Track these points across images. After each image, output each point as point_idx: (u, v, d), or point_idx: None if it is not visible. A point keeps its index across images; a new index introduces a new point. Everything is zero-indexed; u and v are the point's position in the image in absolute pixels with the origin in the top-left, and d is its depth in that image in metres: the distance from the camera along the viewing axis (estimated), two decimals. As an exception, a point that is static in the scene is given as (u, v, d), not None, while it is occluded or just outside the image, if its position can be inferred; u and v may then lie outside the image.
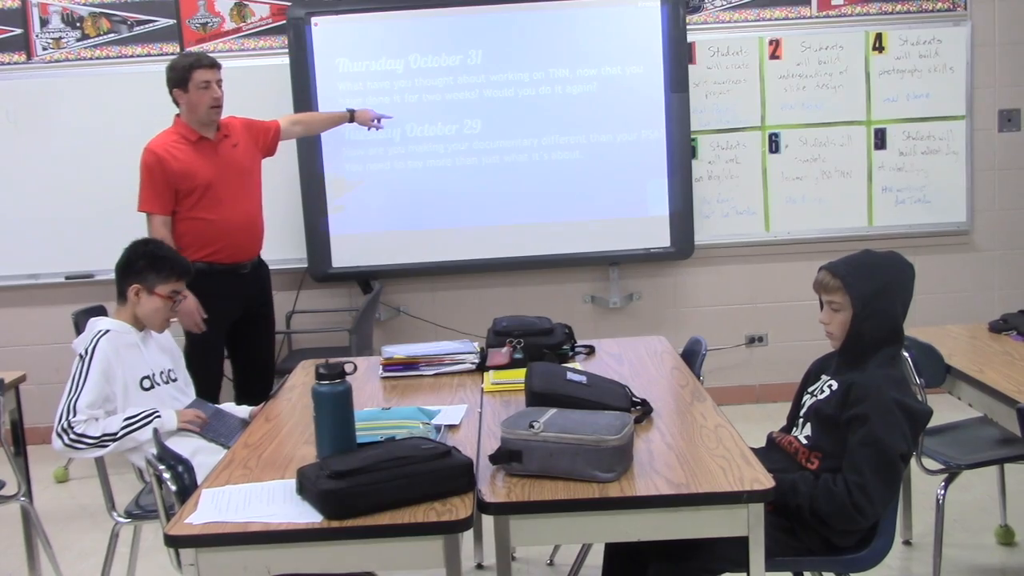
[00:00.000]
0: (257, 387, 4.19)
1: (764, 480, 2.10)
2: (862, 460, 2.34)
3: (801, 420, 2.62)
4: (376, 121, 4.79)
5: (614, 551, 2.74)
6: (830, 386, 2.54)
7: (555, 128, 5.19)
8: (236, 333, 4.27)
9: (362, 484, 2.03)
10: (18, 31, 5.21)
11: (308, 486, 2.09)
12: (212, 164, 4.07)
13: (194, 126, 4.08)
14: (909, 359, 3.21)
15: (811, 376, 2.71)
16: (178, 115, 4.11)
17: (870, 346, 2.49)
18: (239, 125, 4.25)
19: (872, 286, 2.49)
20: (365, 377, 3.22)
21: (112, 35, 5.22)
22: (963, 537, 3.62)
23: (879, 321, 2.48)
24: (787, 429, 2.71)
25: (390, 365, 3.25)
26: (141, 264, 3.12)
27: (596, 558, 3.41)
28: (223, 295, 4.02)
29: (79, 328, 3.63)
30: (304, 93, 5.07)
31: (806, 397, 2.65)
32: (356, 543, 2.02)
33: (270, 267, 4.46)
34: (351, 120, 4.73)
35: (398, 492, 2.05)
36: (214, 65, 4.07)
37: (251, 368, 4.34)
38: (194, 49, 5.12)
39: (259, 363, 4.36)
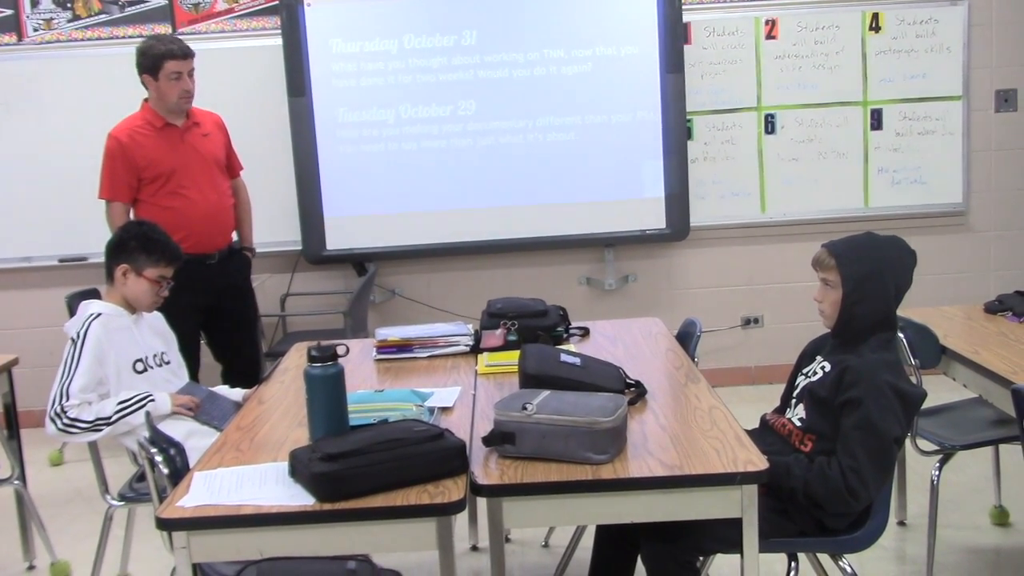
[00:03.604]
0: (239, 380, 4.11)
1: (758, 462, 2.10)
2: (856, 444, 2.34)
3: (794, 401, 2.61)
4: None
5: (605, 532, 2.74)
6: (823, 367, 2.54)
7: (550, 109, 5.16)
8: (213, 327, 4.20)
9: (354, 466, 2.02)
10: (8, 12, 5.16)
11: (300, 469, 2.08)
12: (177, 151, 4.00)
13: (162, 113, 4.01)
14: (904, 340, 3.20)
15: (806, 357, 2.70)
16: (146, 100, 4.05)
17: (863, 329, 2.49)
18: (216, 121, 4.20)
19: (865, 268, 2.48)
20: (359, 359, 3.22)
21: (103, 16, 5.18)
22: (958, 518, 3.62)
23: (871, 304, 2.47)
24: (780, 410, 2.71)
25: (384, 347, 3.24)
26: (133, 245, 3.10)
27: (591, 540, 3.41)
28: (187, 285, 3.81)
29: (72, 311, 3.60)
30: (297, 74, 5.04)
31: (800, 378, 2.64)
32: (348, 526, 2.01)
33: (264, 250, 4.44)
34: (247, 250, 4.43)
35: (391, 474, 2.04)
36: (187, 56, 3.97)
37: (233, 363, 4.27)
38: (186, 29, 5.08)
39: (240, 358, 4.28)
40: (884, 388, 2.36)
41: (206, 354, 4.28)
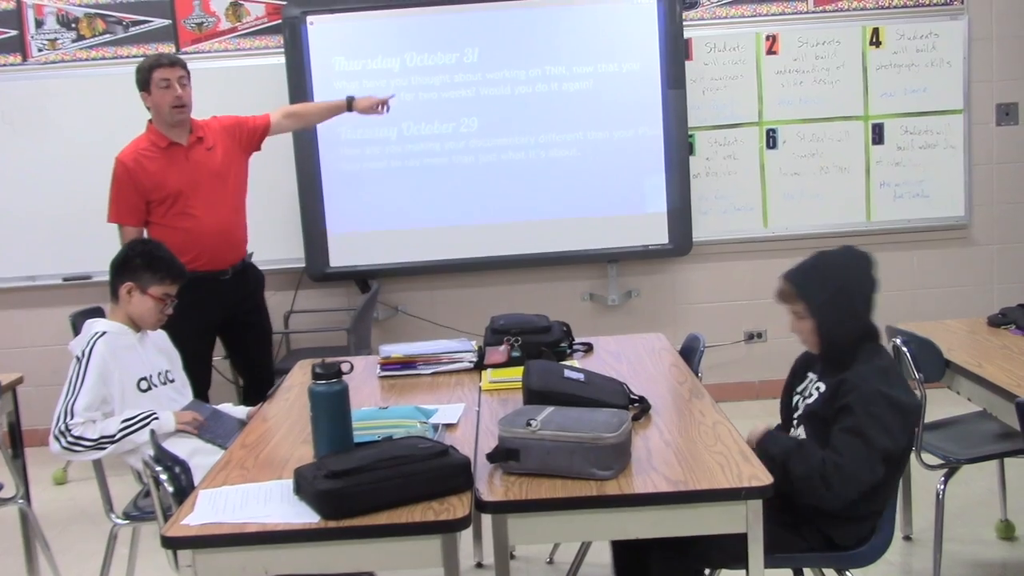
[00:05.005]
0: (259, 394, 4.13)
1: (763, 477, 2.10)
2: (842, 444, 2.34)
3: (795, 422, 2.61)
4: (381, 107, 4.41)
5: (619, 542, 2.73)
6: (818, 389, 2.53)
7: (552, 126, 5.18)
8: (230, 341, 4.23)
9: (359, 484, 2.02)
10: (13, 32, 5.20)
11: (305, 486, 2.09)
12: (183, 171, 3.99)
13: (163, 130, 4.00)
14: (908, 353, 3.21)
15: (797, 374, 2.69)
16: (150, 121, 4.05)
17: (847, 346, 2.48)
18: (218, 127, 4.17)
19: (828, 291, 2.48)
20: (363, 376, 3.22)
21: (107, 36, 5.21)
22: (963, 532, 3.61)
23: (846, 324, 2.48)
24: (783, 428, 2.70)
25: (388, 364, 3.24)
26: (137, 263, 3.11)
27: (595, 556, 3.41)
28: (202, 304, 3.89)
29: (77, 330, 3.61)
30: (300, 92, 5.06)
31: (796, 398, 2.64)
32: (353, 543, 2.01)
33: (268, 267, 4.44)
34: (349, 109, 4.40)
35: (395, 491, 2.04)
36: (175, 64, 3.97)
37: (250, 375, 4.28)
38: (189, 48, 5.11)
39: (255, 370, 4.28)
40: (875, 397, 2.35)
41: (215, 372, 4.29)
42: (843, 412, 2.38)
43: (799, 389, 2.64)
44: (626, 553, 2.67)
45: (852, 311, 2.47)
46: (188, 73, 4.02)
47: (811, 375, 2.61)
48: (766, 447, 2.42)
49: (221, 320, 4.11)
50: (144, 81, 3.96)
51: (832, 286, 2.48)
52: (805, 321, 2.52)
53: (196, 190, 4.00)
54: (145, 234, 4.03)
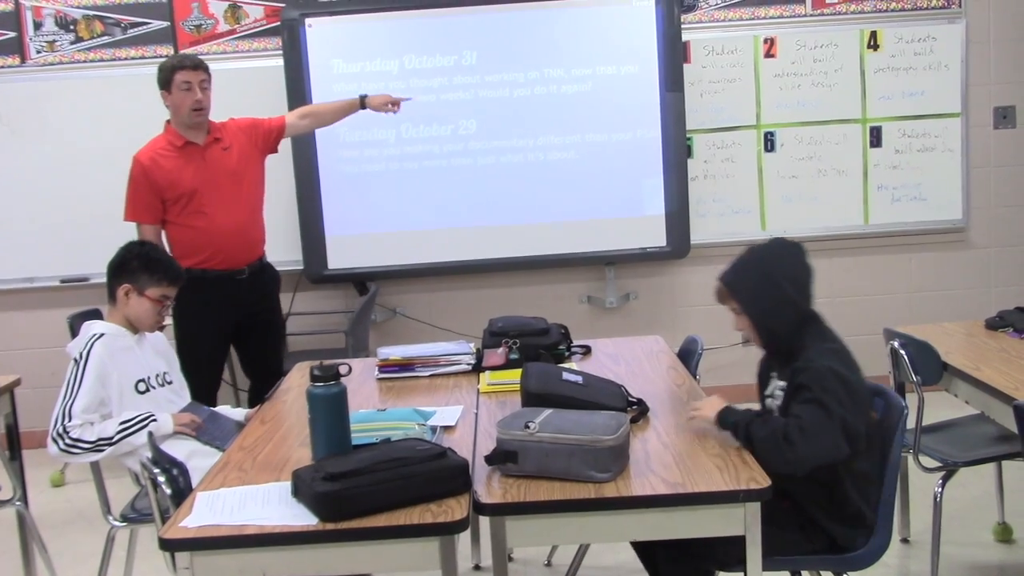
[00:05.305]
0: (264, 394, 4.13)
1: (760, 479, 2.10)
2: (803, 412, 2.32)
3: None
4: (392, 105, 4.39)
5: (637, 542, 2.72)
6: (781, 388, 2.53)
7: (550, 128, 5.18)
8: (244, 340, 4.24)
9: (357, 486, 2.02)
10: (12, 34, 5.19)
11: (303, 488, 2.09)
12: (199, 170, 4.01)
13: (181, 130, 4.03)
14: (906, 356, 3.21)
15: (763, 378, 2.69)
16: (168, 120, 4.07)
17: (788, 335, 2.48)
18: (234, 128, 4.18)
19: (755, 284, 2.49)
20: (361, 379, 3.22)
21: (106, 38, 5.21)
22: (961, 535, 3.61)
23: (778, 312, 2.48)
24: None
25: (386, 366, 3.25)
26: (135, 265, 3.11)
27: (593, 558, 3.42)
28: (217, 303, 3.96)
29: (74, 332, 3.61)
30: (299, 94, 5.06)
31: (768, 400, 2.64)
32: (352, 545, 2.01)
33: (266, 269, 4.45)
34: (363, 107, 4.38)
35: (394, 494, 2.04)
36: (198, 67, 4.00)
37: (258, 375, 4.28)
38: (189, 51, 5.11)
39: (264, 369, 4.28)
40: (827, 373, 2.34)
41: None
42: (799, 390, 2.37)
43: (767, 392, 2.63)
44: (644, 553, 2.68)
45: (782, 299, 2.47)
46: (210, 76, 4.05)
47: (773, 375, 2.61)
48: (725, 418, 2.42)
49: (237, 320, 4.13)
50: (166, 80, 3.99)
51: (757, 276, 2.50)
52: (743, 317, 2.54)
53: (211, 189, 4.03)
54: (163, 234, 4.05)
